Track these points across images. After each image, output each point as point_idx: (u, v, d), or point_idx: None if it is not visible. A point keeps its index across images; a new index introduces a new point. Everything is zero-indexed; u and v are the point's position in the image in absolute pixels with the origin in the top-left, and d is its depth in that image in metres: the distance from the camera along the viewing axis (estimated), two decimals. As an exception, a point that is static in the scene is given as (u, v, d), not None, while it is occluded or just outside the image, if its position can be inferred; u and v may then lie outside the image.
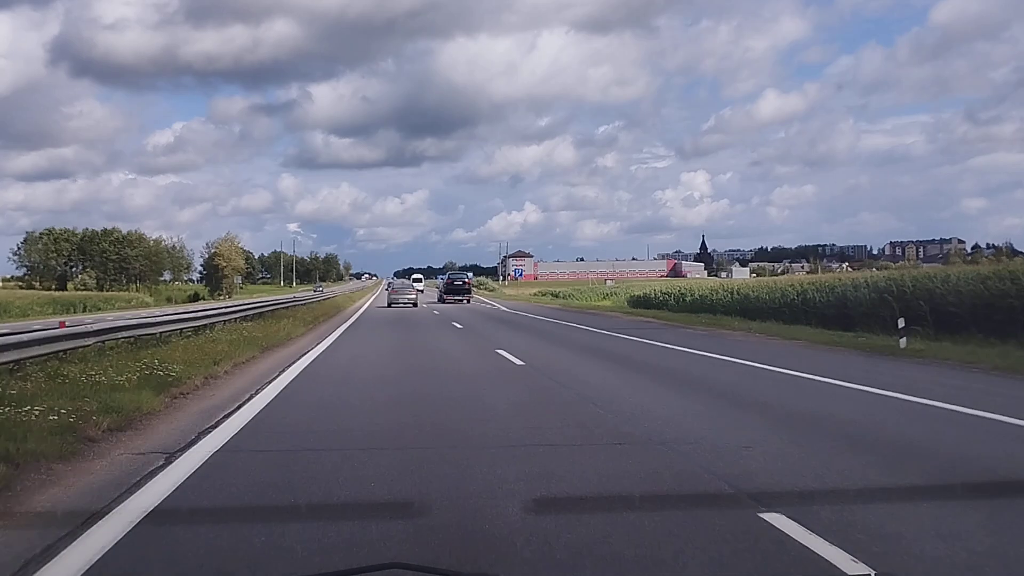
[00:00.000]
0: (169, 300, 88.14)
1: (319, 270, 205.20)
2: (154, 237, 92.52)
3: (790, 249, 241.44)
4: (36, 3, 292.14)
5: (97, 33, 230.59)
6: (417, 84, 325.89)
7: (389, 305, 44.66)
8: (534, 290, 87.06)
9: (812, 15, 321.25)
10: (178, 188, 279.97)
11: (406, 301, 44.37)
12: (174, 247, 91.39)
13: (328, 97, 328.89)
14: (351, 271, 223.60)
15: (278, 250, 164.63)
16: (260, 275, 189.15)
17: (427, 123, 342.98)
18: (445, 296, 55.01)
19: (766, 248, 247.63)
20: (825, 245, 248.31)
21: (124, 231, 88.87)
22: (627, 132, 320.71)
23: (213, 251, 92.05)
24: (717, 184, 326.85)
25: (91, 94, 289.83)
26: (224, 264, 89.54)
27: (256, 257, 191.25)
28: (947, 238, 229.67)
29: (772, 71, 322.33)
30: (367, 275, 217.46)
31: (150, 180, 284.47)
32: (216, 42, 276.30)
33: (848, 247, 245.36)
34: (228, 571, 3.67)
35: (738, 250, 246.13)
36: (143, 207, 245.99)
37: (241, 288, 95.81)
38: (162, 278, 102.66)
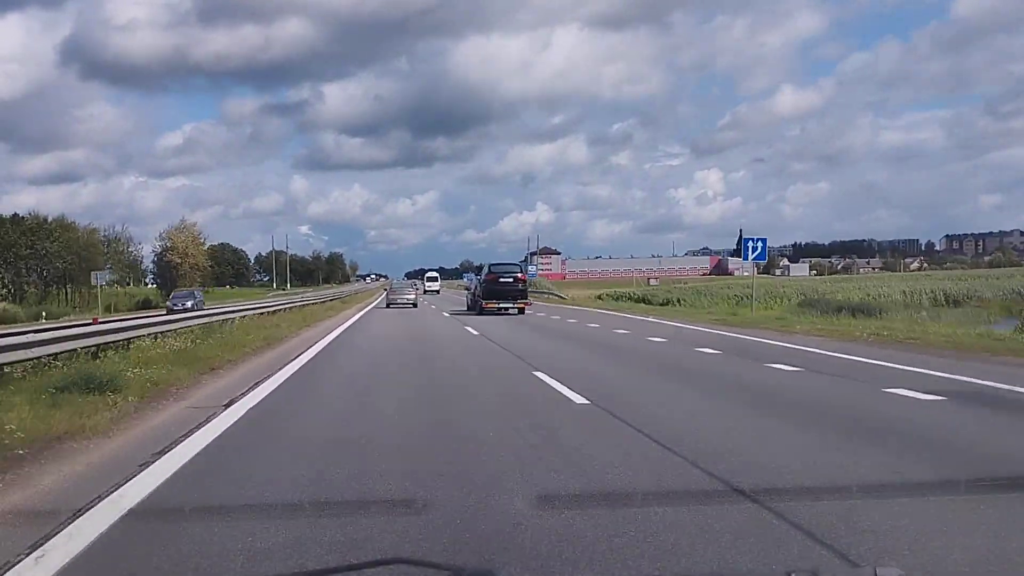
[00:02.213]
0: (108, 309, 66.93)
1: (322, 271, 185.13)
2: (85, 225, 69.98)
3: (823, 245, 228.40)
4: (47, 4, 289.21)
5: (108, 34, 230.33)
6: (429, 83, 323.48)
7: (388, 306, 44.04)
8: (594, 291, 64.38)
9: (828, 9, 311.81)
10: (189, 191, 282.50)
11: (405, 301, 44.30)
12: (117, 239, 69.17)
13: (339, 97, 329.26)
14: (357, 272, 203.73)
15: (278, 249, 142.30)
16: (255, 277, 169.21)
17: (439, 123, 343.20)
18: (484, 302, 33.15)
19: (800, 244, 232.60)
20: (866, 240, 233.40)
21: (49, 218, 66.87)
22: (641, 130, 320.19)
23: (165, 243, 69.82)
24: (733, 181, 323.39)
25: (102, 96, 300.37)
26: (180, 261, 67.53)
27: (253, 257, 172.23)
28: (1007, 231, 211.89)
29: (787, 67, 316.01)
30: (372, 276, 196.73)
31: (161, 183, 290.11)
32: (228, 42, 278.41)
33: (899, 241, 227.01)
34: (232, 568, 3.43)
35: (768, 247, 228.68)
36: (154, 210, 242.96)
37: (207, 292, 73.85)
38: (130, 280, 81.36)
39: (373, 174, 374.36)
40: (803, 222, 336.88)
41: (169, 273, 68.71)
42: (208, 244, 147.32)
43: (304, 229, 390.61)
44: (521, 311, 33.41)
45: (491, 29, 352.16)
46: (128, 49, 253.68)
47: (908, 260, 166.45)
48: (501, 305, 33.11)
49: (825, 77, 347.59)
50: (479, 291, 34.58)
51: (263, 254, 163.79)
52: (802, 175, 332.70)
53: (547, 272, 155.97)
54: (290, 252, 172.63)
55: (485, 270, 35.28)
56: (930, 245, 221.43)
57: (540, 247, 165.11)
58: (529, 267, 44.09)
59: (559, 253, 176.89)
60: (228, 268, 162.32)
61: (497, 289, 33.37)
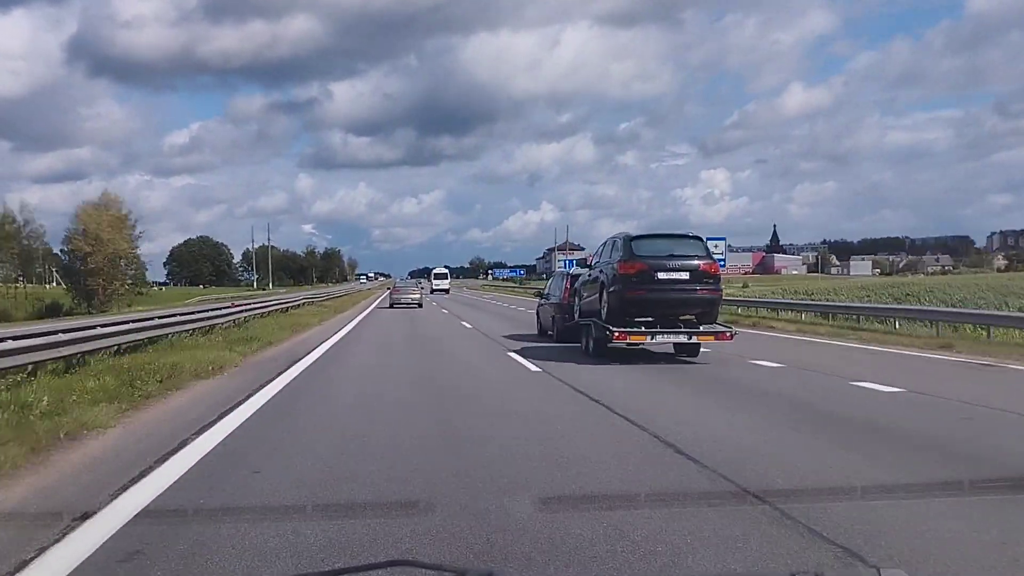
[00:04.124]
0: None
1: (316, 268, 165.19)
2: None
3: (854, 243, 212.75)
4: (53, 0, 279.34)
5: (114, 31, 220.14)
6: (437, 81, 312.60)
7: (391, 305, 39.84)
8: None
9: (840, 8, 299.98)
10: (194, 190, 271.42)
11: (409, 301, 40.22)
12: (9, 219, 48.87)
13: (347, 95, 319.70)
14: (357, 270, 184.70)
15: (265, 243, 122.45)
16: (240, 275, 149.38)
17: (446, 121, 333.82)
18: (616, 332, 12.84)
19: (829, 241, 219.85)
20: (906, 238, 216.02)
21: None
22: (648, 129, 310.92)
23: (78, 228, 49.19)
24: (740, 180, 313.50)
25: (108, 94, 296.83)
26: (89, 250, 47.29)
27: (240, 253, 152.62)
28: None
29: (797, 65, 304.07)
30: (370, 275, 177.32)
31: (166, 182, 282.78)
32: (235, 40, 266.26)
33: (947, 238, 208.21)
34: (237, 570, 3.53)
35: (791, 244, 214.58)
36: (159, 209, 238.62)
37: (140, 294, 53.56)
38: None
39: (379, 173, 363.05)
40: (811, 220, 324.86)
41: (76, 267, 48.44)
42: (187, 238, 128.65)
43: (308, 227, 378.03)
44: (694, 349, 13.69)
45: (500, 26, 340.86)
46: (135, 46, 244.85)
47: (995, 257, 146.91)
48: (659, 333, 13.15)
49: (835, 75, 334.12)
50: (605, 300, 13.88)
51: (250, 249, 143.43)
52: (810, 174, 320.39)
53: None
54: (284, 248, 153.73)
55: (616, 248, 14.18)
56: (969, 242, 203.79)
57: (565, 242, 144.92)
58: (715, 242, 24.02)
59: (583, 248, 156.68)
60: (207, 265, 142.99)
61: (652, 299, 12.96)
